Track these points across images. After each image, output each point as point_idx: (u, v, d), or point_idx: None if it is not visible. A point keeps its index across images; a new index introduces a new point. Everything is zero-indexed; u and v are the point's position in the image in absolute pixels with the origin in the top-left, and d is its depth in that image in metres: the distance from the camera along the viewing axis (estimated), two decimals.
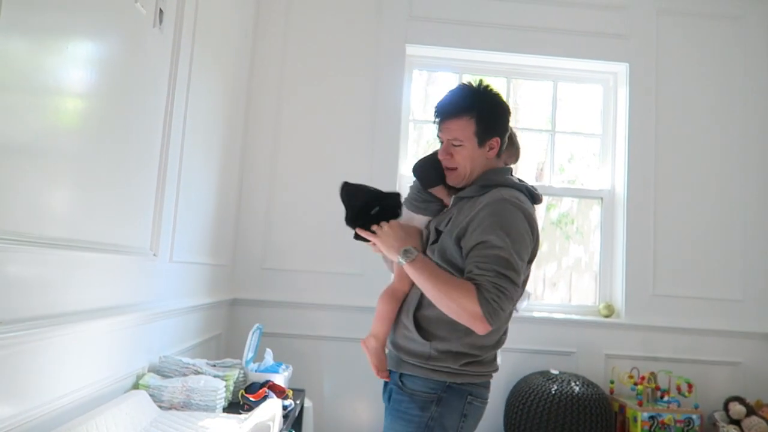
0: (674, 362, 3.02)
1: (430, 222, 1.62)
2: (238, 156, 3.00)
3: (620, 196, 3.24)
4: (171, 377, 1.93)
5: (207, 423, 1.70)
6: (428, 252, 1.54)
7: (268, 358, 2.33)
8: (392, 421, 1.52)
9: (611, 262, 3.24)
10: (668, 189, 3.20)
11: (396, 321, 1.58)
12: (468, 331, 1.44)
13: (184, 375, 1.95)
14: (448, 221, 1.52)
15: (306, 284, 3.02)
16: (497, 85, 3.51)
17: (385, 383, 1.60)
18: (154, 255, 1.98)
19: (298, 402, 2.23)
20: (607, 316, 3.14)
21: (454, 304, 1.38)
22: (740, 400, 2.79)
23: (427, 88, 3.61)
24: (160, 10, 1.88)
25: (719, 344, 3.10)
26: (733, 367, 3.09)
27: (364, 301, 3.01)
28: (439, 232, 1.53)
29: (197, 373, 1.96)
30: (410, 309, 1.53)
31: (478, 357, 1.49)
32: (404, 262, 1.45)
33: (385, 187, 1.58)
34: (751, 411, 2.73)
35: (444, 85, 3.52)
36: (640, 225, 3.16)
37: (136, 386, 1.83)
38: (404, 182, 3.24)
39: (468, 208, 1.50)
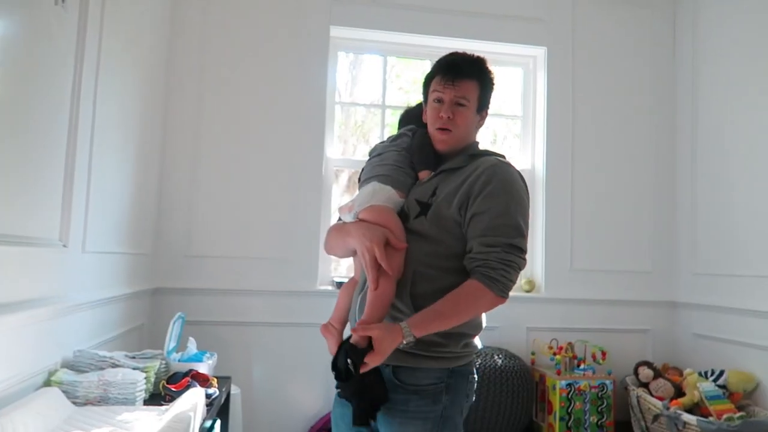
0: (590, 332, 3.20)
1: (407, 197, 1.53)
2: (157, 141, 2.89)
3: (540, 176, 3.36)
4: (86, 372, 1.86)
5: (125, 417, 1.66)
6: (414, 225, 1.45)
7: (192, 347, 2.29)
8: (404, 423, 1.39)
9: (532, 239, 3.37)
10: (584, 168, 3.35)
11: None
12: None
13: (101, 369, 1.88)
14: (433, 192, 1.47)
15: (231, 271, 2.97)
16: (421, 67, 3.55)
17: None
18: (64, 246, 1.89)
19: (223, 389, 2.21)
20: (528, 291, 3.27)
21: (474, 311, 1.40)
22: (648, 364, 2.98)
23: (353, 70, 3.60)
24: None
25: (630, 313, 3.31)
26: (643, 334, 3.31)
27: (291, 285, 3.01)
28: (423, 204, 1.46)
29: (115, 366, 1.90)
30: (403, 290, 1.42)
31: (475, 335, 1.49)
32: (413, 340, 1.33)
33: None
34: (658, 374, 2.93)
35: (370, 67, 3.52)
36: (558, 204, 3.30)
37: (47, 383, 1.75)
38: (330, 165, 3.23)
39: (456, 176, 1.47)
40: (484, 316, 1.52)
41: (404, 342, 1.32)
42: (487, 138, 3.57)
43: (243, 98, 3.08)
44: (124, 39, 2.33)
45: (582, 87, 3.40)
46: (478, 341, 1.52)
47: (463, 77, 1.50)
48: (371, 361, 1.30)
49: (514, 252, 1.37)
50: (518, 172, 1.49)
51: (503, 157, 1.54)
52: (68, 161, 1.90)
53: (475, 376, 1.52)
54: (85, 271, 2.07)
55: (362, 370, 1.31)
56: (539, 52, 3.43)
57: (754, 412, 2.57)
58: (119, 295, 2.37)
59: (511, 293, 1.98)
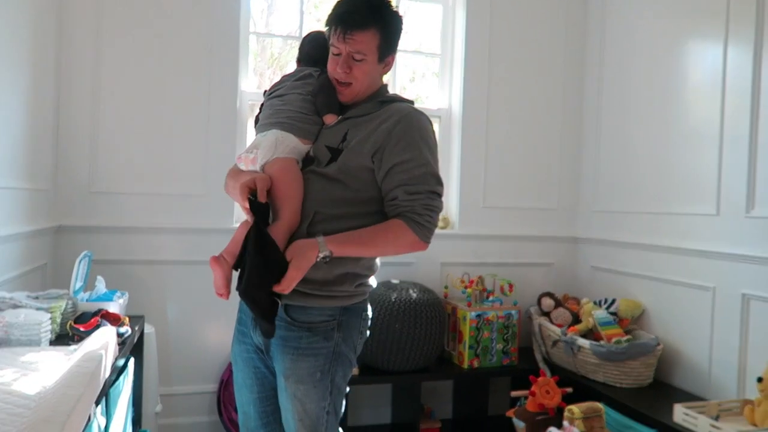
0: (499, 266, 3.38)
1: (314, 144, 1.52)
2: (51, 68, 2.65)
3: (456, 114, 3.41)
4: None
5: (30, 357, 1.59)
6: (324, 171, 1.45)
7: (100, 286, 2.21)
8: (296, 359, 1.42)
9: (447, 177, 3.45)
10: (498, 109, 3.43)
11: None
12: None
13: (0, 310, 1.78)
14: (344, 137, 1.46)
15: (142, 207, 2.85)
16: None
17: (253, 317, 1.48)
18: None
19: (136, 328, 2.16)
20: (443, 228, 3.38)
21: (392, 247, 1.44)
22: (550, 295, 3.21)
23: None
24: None
25: (537, 248, 3.51)
26: (547, 268, 3.54)
27: (206, 222, 2.94)
28: (334, 150, 1.45)
29: (16, 306, 1.81)
30: (303, 227, 1.42)
31: (370, 276, 1.53)
32: (330, 255, 1.37)
33: None
34: (558, 303, 3.16)
35: None
36: (472, 143, 3.38)
37: None
38: (245, 99, 3.11)
39: (367, 122, 1.47)
40: (378, 259, 1.57)
41: (320, 255, 1.35)
42: (405, 76, 3.55)
43: (148, 24, 2.86)
44: None
45: (499, 26, 3.41)
46: (373, 281, 1.57)
47: (358, 29, 1.44)
48: (291, 276, 1.32)
49: (436, 198, 1.45)
50: (428, 118, 1.52)
51: (412, 103, 1.56)
52: None
53: (369, 313, 1.57)
54: None
55: (282, 287, 1.32)
56: None
57: (639, 336, 2.86)
58: (16, 234, 2.22)
59: None
